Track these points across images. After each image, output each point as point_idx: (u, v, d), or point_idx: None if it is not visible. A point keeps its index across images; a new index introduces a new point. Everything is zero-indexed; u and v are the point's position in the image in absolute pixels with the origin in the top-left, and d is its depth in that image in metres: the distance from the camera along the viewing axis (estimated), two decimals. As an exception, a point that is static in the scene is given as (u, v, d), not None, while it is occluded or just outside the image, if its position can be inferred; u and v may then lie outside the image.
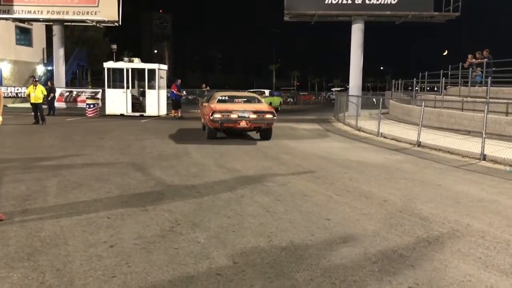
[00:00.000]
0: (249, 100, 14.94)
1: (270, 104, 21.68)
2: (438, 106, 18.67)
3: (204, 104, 15.53)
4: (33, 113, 17.91)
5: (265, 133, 13.70)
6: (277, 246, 4.37)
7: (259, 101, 14.89)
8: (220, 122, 12.64)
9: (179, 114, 22.47)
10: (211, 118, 12.58)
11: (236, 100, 14.73)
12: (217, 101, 14.06)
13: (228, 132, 14.23)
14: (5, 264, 3.80)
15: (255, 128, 13.42)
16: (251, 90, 32.75)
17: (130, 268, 3.76)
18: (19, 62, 34.00)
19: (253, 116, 12.81)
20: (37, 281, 3.48)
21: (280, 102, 36.12)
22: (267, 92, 35.34)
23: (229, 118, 12.66)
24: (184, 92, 23.69)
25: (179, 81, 24.08)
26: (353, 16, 25.59)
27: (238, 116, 12.70)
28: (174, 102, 22.93)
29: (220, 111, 12.73)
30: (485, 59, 18.90)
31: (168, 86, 26.43)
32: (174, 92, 22.83)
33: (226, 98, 14.80)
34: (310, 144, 12.93)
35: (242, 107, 13.35)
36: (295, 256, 4.12)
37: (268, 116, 13.10)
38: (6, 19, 28.54)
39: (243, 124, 12.75)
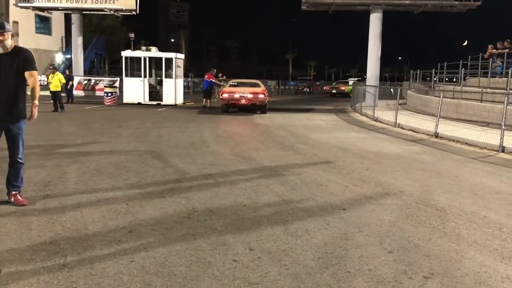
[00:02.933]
0: (251, 85, 20.24)
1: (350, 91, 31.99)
2: (456, 97, 18.44)
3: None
4: (52, 101, 18.20)
5: (261, 108, 19.33)
6: (292, 234, 4.41)
7: (258, 86, 20.06)
8: (227, 100, 18.70)
9: (209, 104, 22.48)
10: (221, 97, 19.25)
11: (241, 85, 20.23)
12: (229, 86, 20.14)
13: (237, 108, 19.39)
14: (28, 247, 3.91)
15: (252, 105, 18.92)
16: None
17: (148, 253, 3.84)
18: (38, 51, 34.41)
19: (250, 96, 18.63)
20: (59, 264, 3.58)
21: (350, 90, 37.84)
22: (350, 82, 42.34)
23: (233, 97, 18.70)
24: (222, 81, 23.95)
25: (214, 70, 24.26)
26: (371, 5, 25.27)
27: (240, 96, 18.64)
28: (207, 91, 22.92)
29: (227, 93, 18.96)
30: (506, 50, 18.56)
31: (186, 75, 26.53)
32: (213, 80, 23.00)
33: (236, 83, 20.64)
34: (327, 134, 12.91)
35: (243, 90, 19.05)
36: (310, 244, 4.16)
37: (261, 96, 18.81)
38: (27, 7, 28.88)
39: (243, 101, 18.66)
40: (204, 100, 22.63)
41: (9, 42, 4.86)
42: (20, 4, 28.16)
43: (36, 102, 5.16)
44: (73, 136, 11.12)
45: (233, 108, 19.39)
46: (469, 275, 3.59)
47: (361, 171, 7.56)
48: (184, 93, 25.43)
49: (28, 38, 32.96)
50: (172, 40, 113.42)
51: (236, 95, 18.62)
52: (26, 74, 4.96)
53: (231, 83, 20.60)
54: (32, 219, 4.65)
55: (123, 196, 5.60)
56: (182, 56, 25.17)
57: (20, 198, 5.13)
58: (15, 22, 31.18)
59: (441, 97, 13.94)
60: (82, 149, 9.18)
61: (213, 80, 23.15)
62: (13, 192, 5.12)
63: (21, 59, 4.94)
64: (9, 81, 4.85)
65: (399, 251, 4.04)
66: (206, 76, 23.35)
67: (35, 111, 5.18)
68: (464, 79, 21.58)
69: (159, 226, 4.54)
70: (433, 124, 12.82)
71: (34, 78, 5.08)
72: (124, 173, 6.95)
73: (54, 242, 4.05)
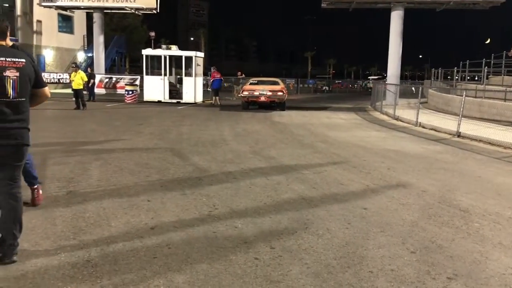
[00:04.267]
0: (271, 83, 21.03)
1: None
2: (479, 96, 18.14)
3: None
4: (74, 99, 18.47)
5: (280, 105, 19.85)
6: (313, 233, 4.40)
7: (277, 84, 20.86)
8: (247, 97, 19.39)
9: (219, 102, 22.83)
10: (241, 94, 19.93)
11: (261, 83, 21.04)
12: (249, 84, 21.07)
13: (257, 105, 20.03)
14: (53, 242, 3.98)
15: (271, 102, 19.53)
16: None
17: (170, 250, 3.88)
18: (61, 49, 34.97)
19: (269, 93, 19.25)
20: (83, 259, 3.64)
21: None
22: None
23: (253, 95, 19.36)
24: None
25: (214, 67, 24.45)
26: (393, 2, 24.98)
27: (259, 94, 19.28)
28: (216, 90, 23.23)
29: (247, 90, 19.68)
30: (532, 48, 18.18)
31: (205, 74, 26.66)
32: (221, 78, 23.23)
33: (256, 82, 21.65)
34: (346, 132, 12.82)
35: (263, 88, 19.77)
36: (332, 243, 4.14)
37: (280, 93, 19.39)
38: (50, 7, 29.32)
39: (262, 98, 19.28)
40: (215, 98, 22.98)
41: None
42: (43, 4, 28.60)
43: None
44: (95, 133, 11.27)
45: (253, 105, 20.08)
46: (494, 277, 3.53)
47: (382, 170, 7.49)
48: (204, 91, 25.52)
49: (50, 36, 33.47)
50: (192, 39, 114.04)
51: (256, 93, 19.40)
52: None
53: (251, 81, 21.69)
54: (56, 214, 4.74)
55: (145, 193, 5.65)
56: (201, 54, 25.25)
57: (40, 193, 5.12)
58: (39, 21, 31.72)
59: (464, 95, 13.73)
60: (104, 146, 9.30)
61: (221, 78, 23.37)
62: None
63: None
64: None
65: (422, 252, 3.99)
66: (215, 75, 23.32)
67: None
68: (487, 78, 21.20)
69: (181, 223, 4.58)
70: (455, 123, 12.63)
71: None
72: (146, 170, 7.02)
73: (78, 237, 4.12)
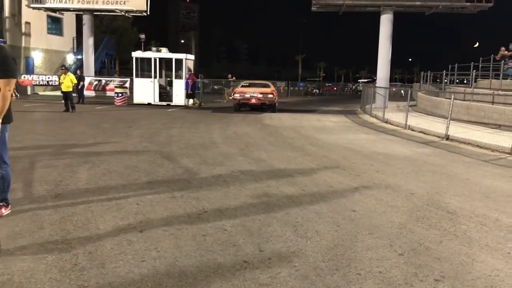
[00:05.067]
0: (262, 86, 21.67)
1: None
2: (467, 99, 18.28)
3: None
4: (63, 101, 18.36)
5: (271, 107, 20.47)
6: (302, 235, 4.41)
7: (268, 87, 21.54)
8: (238, 99, 20.09)
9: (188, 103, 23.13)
10: (233, 97, 20.66)
11: (252, 86, 21.66)
12: (241, 86, 21.75)
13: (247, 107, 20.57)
14: (41, 246, 3.95)
15: (262, 104, 20.16)
16: None
17: (159, 253, 3.86)
18: (50, 51, 34.71)
19: (260, 96, 19.99)
20: (71, 263, 3.61)
21: None
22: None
23: (244, 97, 20.04)
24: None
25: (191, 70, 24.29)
26: (382, 6, 25.21)
27: (250, 96, 20.00)
28: (193, 92, 23.39)
29: (239, 93, 20.38)
30: (519, 51, 18.39)
31: (196, 76, 26.60)
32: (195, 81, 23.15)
33: (247, 84, 22.32)
34: (336, 135, 12.87)
35: (254, 90, 20.42)
36: (320, 246, 4.15)
37: (270, 96, 20.20)
38: (39, 8, 29.19)
39: (253, 100, 19.98)
40: (192, 100, 23.19)
41: None
42: (32, 5, 28.45)
43: None
44: (84, 136, 11.20)
45: (244, 107, 20.65)
46: (480, 279, 3.57)
47: (371, 173, 7.53)
48: (196, 93, 25.49)
49: (39, 38, 33.22)
50: (182, 41, 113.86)
51: (247, 95, 20.14)
52: None
53: (243, 84, 22.43)
54: (44, 218, 4.70)
55: (134, 196, 5.63)
56: (192, 57, 25.24)
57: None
58: (27, 23, 31.46)
59: (452, 99, 13.84)
60: (93, 149, 9.24)
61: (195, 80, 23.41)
62: None
63: None
64: None
65: (409, 254, 4.02)
66: (192, 78, 23.19)
67: None
68: (475, 81, 21.41)
69: (170, 226, 4.56)
70: (444, 126, 12.74)
71: (4, 87, 4.22)
72: (135, 173, 6.99)
73: (66, 241, 4.09)
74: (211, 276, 3.46)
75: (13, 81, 4.44)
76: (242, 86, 21.74)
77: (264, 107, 20.49)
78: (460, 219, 5.10)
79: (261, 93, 20.17)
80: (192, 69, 24.85)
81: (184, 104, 22.78)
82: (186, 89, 23.00)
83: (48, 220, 4.64)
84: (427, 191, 6.40)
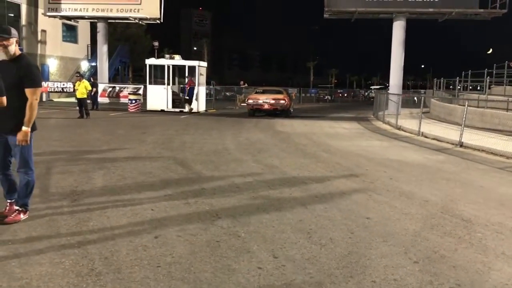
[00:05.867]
0: (275, 92, 22.55)
1: None
2: (481, 106, 18.15)
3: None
4: (78, 108, 18.59)
5: (283, 113, 21.36)
6: (316, 242, 4.41)
7: (280, 93, 22.35)
8: (252, 105, 21.12)
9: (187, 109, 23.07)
10: (247, 102, 21.78)
11: (266, 92, 22.72)
12: (255, 93, 22.96)
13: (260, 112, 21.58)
14: (57, 251, 4.01)
15: (274, 109, 21.02)
16: None
17: (174, 259, 3.90)
18: (65, 58, 35.18)
19: (272, 101, 20.93)
20: (87, 268, 3.66)
21: None
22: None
23: (257, 103, 21.07)
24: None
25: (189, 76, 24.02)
26: (395, 13, 25.15)
27: (263, 102, 21.00)
28: (191, 97, 23.16)
29: (252, 99, 21.52)
30: (534, 58, 18.20)
31: (208, 83, 26.71)
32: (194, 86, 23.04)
33: (261, 91, 23.51)
34: (349, 142, 12.85)
35: (266, 96, 21.43)
36: (334, 253, 4.15)
37: (282, 101, 21.05)
38: (54, 16, 29.64)
39: (266, 106, 20.97)
40: (188, 106, 22.98)
41: (13, 48, 4.48)
42: (48, 14, 28.91)
43: (25, 128, 4.52)
44: (99, 142, 11.32)
45: (259, 112, 21.60)
46: (497, 287, 3.54)
47: (385, 180, 7.51)
48: (206, 100, 25.64)
49: (55, 46, 33.72)
50: (195, 48, 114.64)
51: (260, 101, 21.18)
52: (26, 90, 4.49)
53: (257, 91, 23.78)
54: (61, 223, 4.76)
55: (148, 202, 5.68)
56: (204, 64, 25.38)
57: (12, 210, 4.80)
58: (43, 31, 31.97)
59: (466, 105, 13.75)
60: (108, 155, 9.34)
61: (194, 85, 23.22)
62: (9, 201, 4.85)
63: (23, 71, 4.49)
64: (8, 90, 4.33)
65: (424, 261, 4.00)
66: (190, 83, 23.01)
67: (20, 137, 4.52)
68: (489, 88, 21.24)
69: (184, 232, 4.60)
70: (458, 133, 12.64)
71: (31, 97, 4.49)
72: (149, 179, 7.05)
73: (82, 246, 4.14)
74: (225, 282, 3.48)
75: (39, 89, 4.62)
76: (256, 93, 22.83)
77: (277, 112, 21.27)
78: (475, 227, 5.06)
79: (273, 99, 21.08)
80: (205, 76, 24.97)
81: (187, 110, 22.81)
82: (184, 94, 23.06)
83: (65, 225, 4.71)
84: (442, 198, 6.36)
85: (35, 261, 3.76)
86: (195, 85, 22.87)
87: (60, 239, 4.29)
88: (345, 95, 55.08)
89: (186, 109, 22.85)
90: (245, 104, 21.93)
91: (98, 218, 4.97)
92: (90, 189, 6.29)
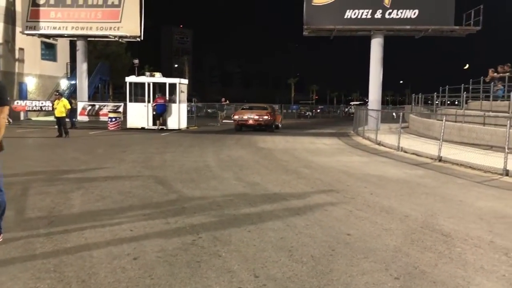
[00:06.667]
0: (260, 108, 24.05)
1: None
2: (459, 121, 18.46)
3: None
4: (56, 127, 18.34)
5: (267, 128, 22.80)
6: (298, 260, 4.39)
7: (265, 109, 23.76)
8: (238, 120, 22.92)
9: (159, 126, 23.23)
10: (233, 118, 23.82)
11: (251, 108, 24.33)
12: (241, 109, 24.87)
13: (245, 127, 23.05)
14: (32, 275, 3.90)
15: (258, 125, 22.51)
16: None
17: (153, 281, 3.82)
18: (43, 77, 34.81)
19: (256, 117, 22.49)
20: (64, 292, 3.57)
21: None
22: None
23: (242, 118, 22.79)
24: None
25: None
26: (373, 30, 25.60)
27: (247, 117, 22.62)
28: (159, 114, 23.18)
29: (238, 115, 23.40)
30: (507, 73, 18.67)
31: (189, 100, 26.71)
32: (165, 103, 23.02)
33: (247, 107, 25.13)
34: (330, 158, 12.91)
35: (251, 113, 23.08)
36: (316, 271, 4.13)
37: (265, 117, 22.47)
38: (33, 35, 29.40)
39: (250, 121, 22.55)
40: (158, 122, 23.12)
41: None
42: (26, 32, 28.65)
43: None
44: (77, 161, 11.16)
45: (247, 127, 23.10)
46: (476, 302, 3.55)
47: (365, 196, 7.54)
48: (188, 117, 25.58)
49: (33, 64, 33.37)
50: (176, 66, 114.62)
51: (245, 117, 22.80)
52: None
53: (244, 107, 25.53)
54: (37, 246, 4.64)
55: (128, 222, 5.59)
56: (185, 81, 25.38)
57: None
58: (21, 49, 31.63)
59: (444, 120, 13.98)
60: (86, 174, 9.20)
61: (165, 103, 23.24)
62: None
63: None
64: None
65: (405, 277, 4.01)
66: (158, 100, 23.05)
67: None
68: (466, 103, 21.66)
69: (164, 253, 4.53)
70: (436, 147, 12.82)
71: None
72: (128, 198, 6.96)
73: (59, 269, 4.04)
74: (206, 303, 3.42)
75: (7, 108, 4.49)
76: (243, 109, 24.54)
77: (262, 127, 22.68)
78: (455, 242, 5.10)
79: (257, 115, 22.60)
80: (186, 93, 24.96)
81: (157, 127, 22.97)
82: (156, 110, 23.08)
83: (41, 248, 4.59)
84: (421, 213, 6.41)
85: (9, 286, 3.65)
86: (165, 102, 22.90)
87: (35, 263, 4.18)
88: (327, 111, 55.67)
89: (157, 126, 22.90)
90: (231, 121, 23.39)
91: (75, 240, 4.86)
92: (68, 210, 6.17)
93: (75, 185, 7.92)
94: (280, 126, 25.62)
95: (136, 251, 4.56)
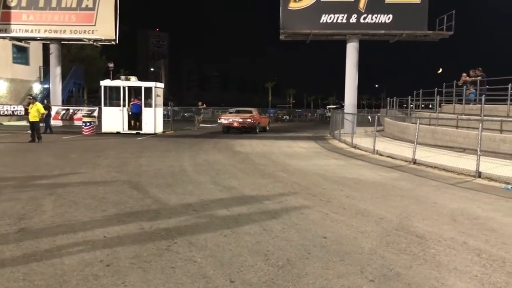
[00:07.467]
0: (245, 112, 25.99)
1: None
2: (433, 124, 18.80)
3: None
4: (29, 131, 17.94)
5: (251, 130, 24.89)
6: (274, 264, 4.36)
7: (249, 113, 25.69)
8: (223, 124, 24.97)
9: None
10: (219, 121, 25.87)
11: (237, 112, 26.31)
12: (228, 113, 27.07)
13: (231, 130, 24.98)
14: (0, 285, 3.77)
15: (242, 127, 24.55)
16: None
17: (126, 288, 3.75)
18: (15, 80, 34.08)
19: (240, 120, 24.51)
20: (33, 301, 3.46)
21: None
22: None
23: (228, 121, 24.76)
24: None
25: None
26: (348, 35, 25.87)
27: (232, 120, 24.73)
28: (135, 114, 23.09)
29: (223, 118, 25.44)
30: (479, 77, 19.10)
31: (165, 104, 26.54)
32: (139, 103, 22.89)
33: (233, 111, 27.21)
34: (306, 161, 12.96)
35: (236, 116, 25.24)
36: (292, 274, 4.11)
37: (248, 120, 24.51)
38: (4, 38, 28.77)
39: (235, 124, 24.57)
40: (134, 123, 23.06)
41: None
42: (-3, 35, 28.01)
43: None
44: (50, 167, 10.92)
45: (234, 130, 24.99)
46: (450, 303, 3.59)
47: (341, 199, 7.58)
48: (164, 122, 25.36)
49: (4, 68, 32.64)
50: (152, 69, 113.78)
51: (230, 120, 24.91)
52: None
53: (230, 111, 27.70)
54: (5, 254, 4.51)
55: (101, 228, 5.48)
56: (161, 85, 25.16)
57: None
58: (-9, 52, 30.92)
59: (418, 123, 14.20)
60: (59, 180, 9.01)
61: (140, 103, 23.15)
62: None
63: None
64: None
65: (380, 280, 4.02)
66: (137, 101, 22.97)
67: None
68: (440, 106, 22.06)
69: (138, 259, 4.45)
70: (411, 150, 13.01)
71: None
72: (102, 204, 6.83)
73: (28, 278, 3.92)
74: (180, 310, 3.37)
75: None
76: (229, 113, 26.79)
77: (247, 129, 24.67)
78: (429, 243, 5.16)
79: (241, 118, 24.62)
80: (162, 97, 24.77)
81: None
82: (132, 110, 22.97)
83: (10, 256, 4.46)
84: (396, 215, 6.47)
85: (-25, 296, 3.53)
86: (140, 103, 22.77)
87: (3, 271, 4.05)
88: (304, 114, 56.01)
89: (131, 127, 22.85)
90: (208, 125, 25.39)
91: (46, 247, 4.74)
92: (39, 217, 6.01)
93: (47, 191, 7.74)
94: (268, 128, 28.04)
95: (109, 257, 4.47)
